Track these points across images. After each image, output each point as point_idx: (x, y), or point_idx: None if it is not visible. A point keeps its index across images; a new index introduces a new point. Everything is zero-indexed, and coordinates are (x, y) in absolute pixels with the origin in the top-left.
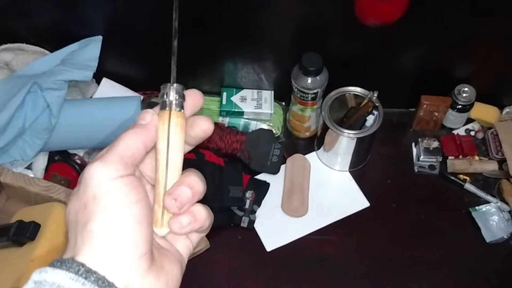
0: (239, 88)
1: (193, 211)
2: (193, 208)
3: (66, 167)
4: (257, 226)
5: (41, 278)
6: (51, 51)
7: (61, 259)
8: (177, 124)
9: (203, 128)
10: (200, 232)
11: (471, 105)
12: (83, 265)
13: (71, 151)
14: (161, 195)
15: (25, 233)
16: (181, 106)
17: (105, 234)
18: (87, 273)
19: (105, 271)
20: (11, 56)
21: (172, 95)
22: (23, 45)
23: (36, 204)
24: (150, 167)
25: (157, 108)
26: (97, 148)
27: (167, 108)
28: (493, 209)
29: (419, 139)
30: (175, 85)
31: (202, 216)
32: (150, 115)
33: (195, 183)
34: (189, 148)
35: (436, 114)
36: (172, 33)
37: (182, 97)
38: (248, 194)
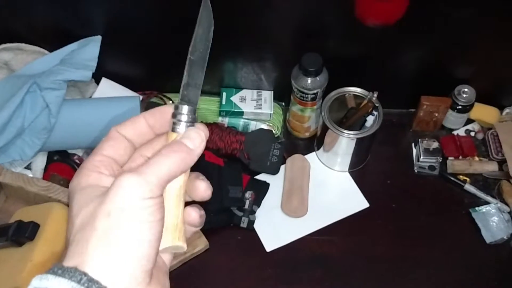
0: (239, 88)
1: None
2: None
3: (65, 167)
4: (256, 226)
5: (42, 285)
6: (50, 51)
7: (63, 267)
8: None
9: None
10: (188, 233)
11: (471, 105)
12: (85, 274)
13: (70, 151)
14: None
15: (24, 233)
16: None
17: (123, 247)
18: (89, 282)
19: (108, 282)
20: (10, 55)
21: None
22: (22, 45)
23: (35, 204)
24: None
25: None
26: None
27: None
28: (493, 210)
29: (419, 140)
30: (188, 107)
31: (202, 211)
32: (201, 141)
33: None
34: None
35: (436, 114)
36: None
37: (193, 116)
38: (248, 194)
